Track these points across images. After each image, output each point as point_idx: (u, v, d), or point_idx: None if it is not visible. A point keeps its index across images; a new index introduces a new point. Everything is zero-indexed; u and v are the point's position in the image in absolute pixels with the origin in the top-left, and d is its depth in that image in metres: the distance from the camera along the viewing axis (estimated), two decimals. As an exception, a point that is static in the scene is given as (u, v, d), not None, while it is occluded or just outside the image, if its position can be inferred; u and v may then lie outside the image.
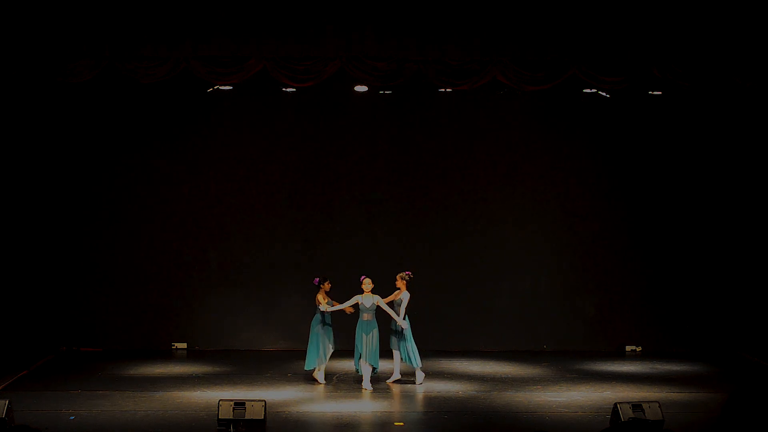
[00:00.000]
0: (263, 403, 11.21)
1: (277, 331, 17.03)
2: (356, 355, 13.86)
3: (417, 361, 14.03)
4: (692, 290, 17.13)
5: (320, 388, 13.89)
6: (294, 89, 15.34)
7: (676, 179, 17.17)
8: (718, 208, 17.07)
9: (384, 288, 14.23)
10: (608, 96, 16.19)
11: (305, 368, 14.18)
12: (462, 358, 16.17)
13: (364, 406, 12.85)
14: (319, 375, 14.25)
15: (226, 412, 11.09)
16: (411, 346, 14.04)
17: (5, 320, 14.56)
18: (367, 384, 13.72)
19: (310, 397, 13.37)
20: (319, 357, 14.06)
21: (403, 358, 14.09)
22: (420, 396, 13.48)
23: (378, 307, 13.87)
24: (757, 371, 15.42)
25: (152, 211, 16.88)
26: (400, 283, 14.12)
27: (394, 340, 14.18)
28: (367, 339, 13.71)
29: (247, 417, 11.05)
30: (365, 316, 13.82)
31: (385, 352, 14.15)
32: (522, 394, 13.59)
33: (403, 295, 14.03)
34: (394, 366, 14.25)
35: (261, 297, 17.06)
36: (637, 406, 11.09)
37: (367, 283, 13.85)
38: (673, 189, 17.16)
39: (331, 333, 14.23)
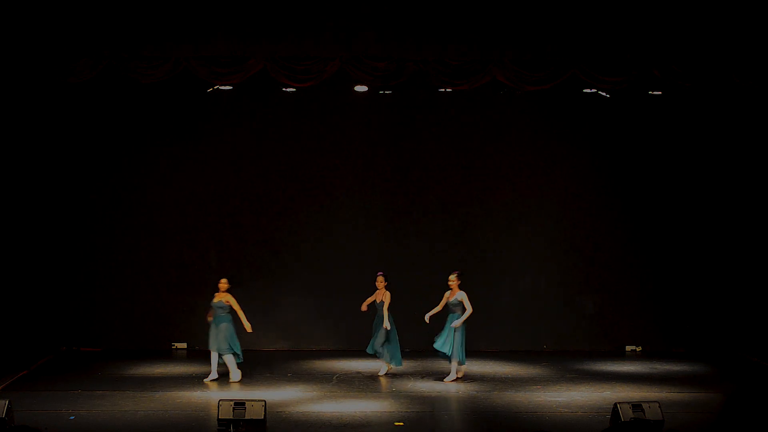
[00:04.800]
0: (263, 403, 11.20)
1: (277, 331, 17.03)
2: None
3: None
4: (692, 290, 17.13)
5: (321, 388, 13.88)
6: (294, 89, 15.33)
7: (676, 179, 17.17)
8: (718, 208, 17.07)
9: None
10: (608, 96, 16.19)
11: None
12: (462, 358, 16.17)
13: (365, 406, 12.84)
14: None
15: (226, 412, 11.08)
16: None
17: (5, 320, 14.55)
18: (382, 370, 14.61)
19: (310, 397, 13.37)
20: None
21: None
22: (420, 396, 13.47)
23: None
24: (757, 371, 15.42)
25: (152, 211, 16.88)
26: (454, 283, 14.45)
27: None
28: (380, 332, 14.44)
29: (247, 417, 11.05)
30: (379, 311, 14.50)
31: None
32: (522, 394, 13.59)
33: (459, 294, 14.38)
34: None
35: (261, 297, 17.06)
36: (637, 406, 11.08)
37: (379, 281, 14.50)
38: (673, 189, 17.16)
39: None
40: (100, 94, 16.17)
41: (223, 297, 14.22)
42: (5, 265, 14.70)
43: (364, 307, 14.65)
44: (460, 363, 14.29)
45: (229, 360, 14.11)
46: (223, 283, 14.27)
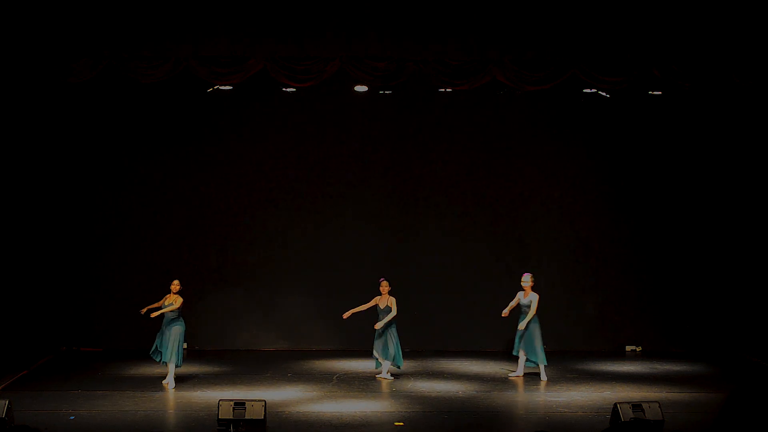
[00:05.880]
0: (263, 403, 11.21)
1: (277, 331, 17.04)
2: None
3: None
4: (692, 290, 17.12)
5: (321, 388, 13.88)
6: (294, 89, 15.33)
7: (676, 179, 17.16)
8: (718, 208, 17.07)
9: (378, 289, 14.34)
10: (608, 96, 16.19)
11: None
12: (462, 358, 16.17)
13: (364, 406, 12.84)
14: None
15: (226, 412, 11.09)
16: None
17: (5, 320, 14.54)
18: (384, 374, 14.37)
19: (310, 397, 13.36)
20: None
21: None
22: (420, 396, 13.47)
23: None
24: (757, 371, 15.42)
25: (152, 211, 16.87)
26: (528, 284, 14.54)
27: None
28: (384, 338, 14.26)
29: (247, 417, 11.06)
30: (381, 317, 14.31)
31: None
32: (522, 394, 13.59)
33: (532, 296, 14.41)
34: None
35: (261, 297, 17.06)
36: (637, 406, 11.09)
37: (384, 286, 14.36)
38: (673, 189, 17.16)
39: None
40: (100, 94, 16.17)
41: (173, 299, 14.07)
42: (5, 266, 14.70)
43: (347, 315, 14.53)
44: (541, 363, 14.39)
45: (171, 367, 13.91)
46: (175, 285, 14.05)
